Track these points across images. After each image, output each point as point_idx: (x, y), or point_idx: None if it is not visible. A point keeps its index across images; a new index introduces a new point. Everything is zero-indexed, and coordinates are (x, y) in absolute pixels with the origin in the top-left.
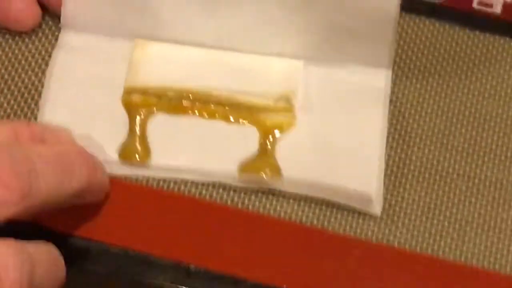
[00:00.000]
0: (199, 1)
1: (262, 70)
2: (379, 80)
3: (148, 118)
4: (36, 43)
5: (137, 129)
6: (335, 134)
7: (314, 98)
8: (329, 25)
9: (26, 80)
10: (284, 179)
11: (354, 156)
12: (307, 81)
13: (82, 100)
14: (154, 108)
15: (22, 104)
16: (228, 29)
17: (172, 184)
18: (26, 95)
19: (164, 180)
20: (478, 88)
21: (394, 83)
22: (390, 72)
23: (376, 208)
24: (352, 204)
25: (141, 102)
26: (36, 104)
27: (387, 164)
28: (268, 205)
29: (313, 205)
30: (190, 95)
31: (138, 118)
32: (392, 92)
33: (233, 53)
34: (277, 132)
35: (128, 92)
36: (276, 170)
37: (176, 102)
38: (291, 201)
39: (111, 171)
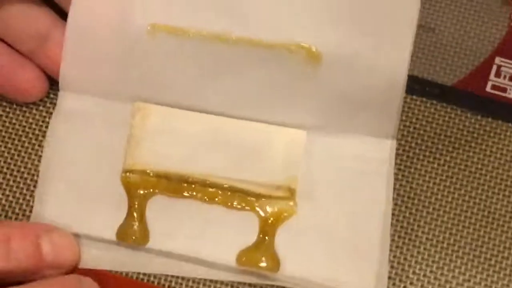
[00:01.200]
0: (200, 66)
1: (264, 144)
2: (383, 151)
3: (147, 199)
4: (42, 113)
5: (136, 210)
6: (336, 224)
7: (316, 179)
8: (335, 97)
9: (27, 151)
10: (283, 273)
11: (355, 250)
12: (309, 154)
13: (81, 176)
14: (153, 189)
15: (19, 179)
16: (230, 96)
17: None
18: (26, 166)
19: (155, 276)
20: (488, 181)
21: (402, 164)
22: (394, 143)
23: None
24: None
25: (140, 183)
26: (33, 178)
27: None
28: None
29: None
30: (190, 177)
31: (137, 198)
32: (402, 176)
33: (234, 122)
34: (277, 220)
35: (127, 172)
36: (275, 263)
37: (175, 184)
38: None
39: (107, 252)
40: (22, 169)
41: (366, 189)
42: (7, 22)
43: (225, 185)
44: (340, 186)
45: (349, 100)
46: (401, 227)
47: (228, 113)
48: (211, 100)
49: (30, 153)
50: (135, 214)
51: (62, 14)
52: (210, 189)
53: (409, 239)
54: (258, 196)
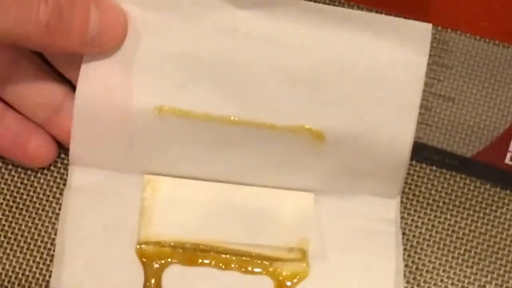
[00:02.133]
0: (206, 144)
1: (274, 208)
2: (390, 210)
3: (163, 269)
4: (48, 178)
5: (152, 280)
6: (348, 282)
7: (327, 240)
8: (339, 168)
9: (40, 218)
10: None
11: None
12: (318, 215)
13: (96, 252)
14: (169, 259)
15: (35, 253)
16: (236, 167)
17: None
18: (40, 234)
19: None
20: (506, 255)
21: (421, 237)
22: (399, 203)
23: None
24: None
25: (155, 254)
26: (49, 247)
27: None
28: None
29: None
30: (204, 245)
31: (152, 269)
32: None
33: (242, 189)
34: (291, 283)
35: (142, 244)
36: None
37: (190, 253)
38: None
39: None
40: (36, 236)
41: (377, 248)
42: (21, 92)
43: (239, 251)
44: (350, 245)
45: (354, 170)
46: None
47: (236, 181)
48: (217, 171)
49: (44, 221)
50: (152, 285)
51: (75, 87)
52: (225, 256)
53: None
54: (272, 259)
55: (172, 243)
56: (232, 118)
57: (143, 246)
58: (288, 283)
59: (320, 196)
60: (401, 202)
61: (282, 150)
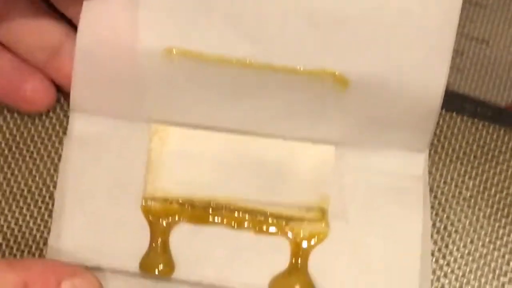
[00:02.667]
0: (219, 90)
1: (291, 162)
2: (418, 165)
3: (171, 228)
4: (47, 125)
5: (159, 240)
6: (372, 245)
7: (348, 198)
8: (363, 116)
9: (38, 170)
10: None
11: (393, 273)
12: (339, 171)
13: (99, 206)
14: (177, 217)
15: (32, 208)
16: (251, 115)
17: None
18: (37, 186)
19: None
20: None
21: (450, 193)
22: (427, 157)
23: None
24: None
25: (162, 211)
26: (47, 202)
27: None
28: None
29: None
30: (215, 203)
31: (159, 228)
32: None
33: (257, 141)
34: (309, 244)
35: (148, 200)
36: None
37: (200, 210)
38: None
39: (132, 285)
40: (33, 189)
41: (402, 206)
42: (18, 33)
43: (253, 209)
44: (373, 204)
45: (379, 120)
46: (438, 250)
47: (251, 131)
48: (231, 119)
49: (42, 172)
50: (158, 244)
51: (76, 26)
52: (237, 214)
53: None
54: (288, 219)
55: (180, 200)
56: (247, 61)
57: (149, 202)
58: (306, 245)
59: (341, 150)
60: (429, 156)
61: (301, 97)
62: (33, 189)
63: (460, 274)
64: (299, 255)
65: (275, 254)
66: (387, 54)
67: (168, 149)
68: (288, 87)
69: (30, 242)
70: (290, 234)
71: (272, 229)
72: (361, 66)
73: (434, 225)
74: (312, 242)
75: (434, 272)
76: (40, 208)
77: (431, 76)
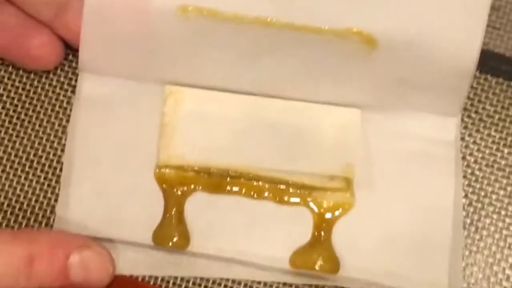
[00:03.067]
0: (237, 49)
1: (314, 127)
2: (449, 130)
3: (186, 197)
4: (54, 83)
5: (173, 210)
6: (400, 216)
7: (375, 166)
8: (392, 78)
9: (45, 131)
10: (342, 274)
11: (423, 245)
12: (365, 137)
13: (109, 173)
14: (192, 186)
15: (39, 173)
16: (272, 76)
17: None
18: (44, 149)
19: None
20: None
21: (479, 160)
22: (459, 122)
23: None
24: None
25: (177, 179)
26: (55, 166)
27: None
28: None
29: None
30: (233, 170)
31: (173, 197)
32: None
33: (278, 103)
34: (333, 215)
35: (162, 167)
36: (334, 263)
37: (217, 179)
38: None
39: (144, 256)
40: (40, 153)
41: (433, 175)
42: None
43: (273, 178)
44: (401, 172)
45: (409, 82)
46: (471, 223)
47: (271, 93)
48: (250, 81)
49: (49, 135)
50: (172, 215)
51: None
52: (257, 183)
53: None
54: (311, 189)
55: (196, 168)
56: (268, 20)
57: (162, 170)
58: (329, 216)
59: (367, 113)
60: (462, 121)
61: (326, 57)
62: (39, 152)
63: (493, 250)
64: (323, 226)
65: (296, 226)
66: (418, 12)
67: (183, 112)
68: (310, 47)
69: (37, 210)
70: (312, 205)
71: (294, 199)
72: (391, 25)
73: (466, 196)
74: (337, 213)
75: (466, 246)
76: (47, 173)
77: (465, 35)
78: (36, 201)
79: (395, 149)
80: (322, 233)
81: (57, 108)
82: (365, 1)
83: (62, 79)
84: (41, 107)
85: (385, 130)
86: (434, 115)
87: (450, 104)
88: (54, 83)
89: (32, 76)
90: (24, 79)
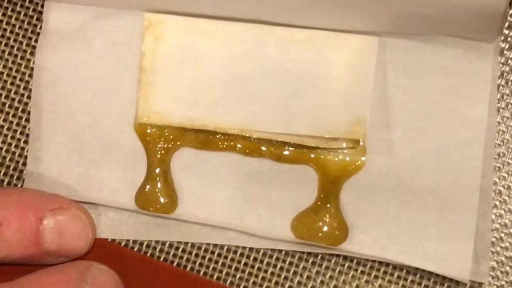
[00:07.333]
0: None
1: (321, 66)
2: (484, 62)
3: (171, 153)
4: (22, 17)
5: (157, 168)
6: (420, 175)
7: (392, 112)
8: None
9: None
10: (350, 244)
11: (446, 209)
12: (384, 72)
13: (83, 125)
14: (178, 142)
15: (9, 124)
16: (274, 2)
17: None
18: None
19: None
20: None
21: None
22: (498, 49)
23: (483, 278)
24: (444, 272)
25: (159, 135)
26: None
27: None
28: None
29: (388, 274)
30: (225, 128)
31: (157, 153)
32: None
33: (281, 33)
34: (341, 176)
35: (142, 123)
36: (341, 231)
37: (206, 134)
38: (360, 268)
39: (126, 219)
40: (3, 100)
41: (464, 116)
42: None
43: (272, 137)
44: (426, 114)
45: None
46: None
47: (271, 19)
48: (245, 6)
49: (15, 77)
50: (157, 174)
51: None
52: (253, 139)
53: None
54: (316, 144)
55: (182, 125)
56: None
57: (143, 124)
58: (337, 174)
59: (386, 40)
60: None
61: None
62: (3, 99)
63: None
64: (329, 189)
65: (299, 187)
66: None
67: (164, 51)
68: None
69: (7, 162)
70: (317, 163)
71: (296, 156)
72: None
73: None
74: (345, 173)
75: (495, 206)
76: (11, 123)
77: None
78: (7, 151)
79: (418, 85)
80: (329, 195)
81: (23, 47)
82: None
83: (30, 12)
84: (5, 45)
85: (407, 62)
86: (467, 40)
87: (485, 27)
88: (21, 17)
89: None
90: None
